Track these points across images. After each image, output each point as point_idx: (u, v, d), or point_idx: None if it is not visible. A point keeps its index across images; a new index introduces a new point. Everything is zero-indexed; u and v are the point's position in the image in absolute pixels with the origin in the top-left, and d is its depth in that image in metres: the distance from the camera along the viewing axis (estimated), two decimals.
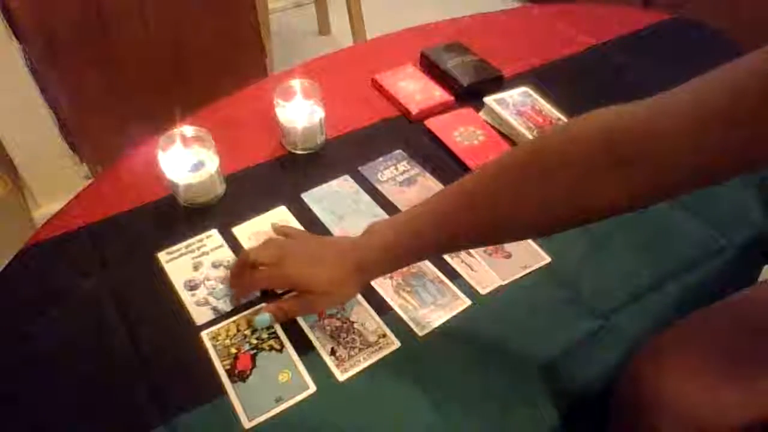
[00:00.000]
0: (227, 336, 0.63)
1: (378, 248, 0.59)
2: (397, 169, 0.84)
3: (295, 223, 0.75)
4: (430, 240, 0.56)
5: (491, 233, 0.53)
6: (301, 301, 0.62)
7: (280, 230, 0.72)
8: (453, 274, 0.70)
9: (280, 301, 0.64)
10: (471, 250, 0.72)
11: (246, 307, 0.66)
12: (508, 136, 0.89)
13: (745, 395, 0.45)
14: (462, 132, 0.88)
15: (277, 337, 0.63)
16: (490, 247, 0.72)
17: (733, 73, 0.38)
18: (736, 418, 0.45)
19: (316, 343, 0.62)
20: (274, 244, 0.66)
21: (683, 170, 0.40)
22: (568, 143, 0.45)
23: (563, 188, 0.45)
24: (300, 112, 0.82)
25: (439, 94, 0.95)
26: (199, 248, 0.72)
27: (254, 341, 0.62)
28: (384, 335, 0.63)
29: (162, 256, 0.71)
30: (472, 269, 0.70)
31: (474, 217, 0.51)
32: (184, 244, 0.72)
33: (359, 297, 0.66)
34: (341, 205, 0.78)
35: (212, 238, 0.73)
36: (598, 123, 0.44)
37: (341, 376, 0.60)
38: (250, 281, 0.64)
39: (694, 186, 0.41)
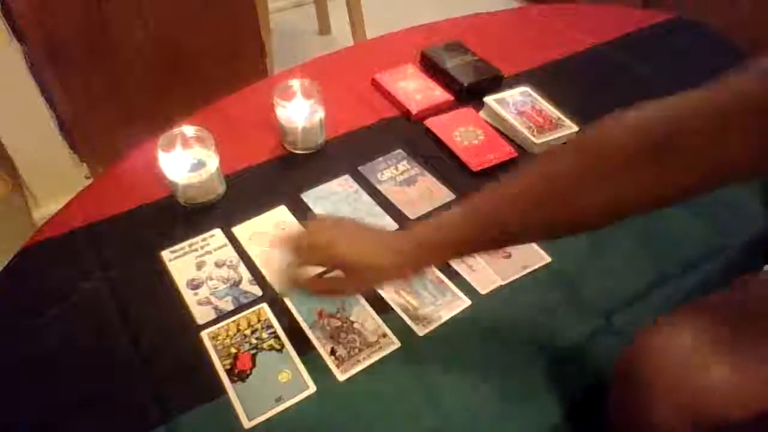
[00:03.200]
0: (227, 336, 0.63)
1: (441, 228, 0.55)
2: (397, 169, 0.84)
3: (295, 223, 0.75)
4: (495, 229, 0.53)
5: (556, 226, 0.51)
6: (340, 279, 0.58)
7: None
8: (453, 274, 0.70)
9: (320, 276, 0.59)
10: None
11: (246, 306, 0.66)
12: (508, 135, 0.89)
13: (743, 382, 0.45)
14: (462, 132, 0.88)
15: (277, 337, 0.63)
16: None
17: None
18: (734, 405, 0.45)
19: (316, 343, 0.62)
20: (321, 224, 0.61)
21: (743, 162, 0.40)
22: (629, 138, 0.44)
23: (628, 183, 0.44)
24: (300, 112, 0.82)
25: (439, 93, 0.95)
26: (202, 247, 0.72)
27: (254, 341, 0.62)
28: (384, 335, 0.63)
29: (166, 254, 0.71)
30: (472, 269, 0.70)
31: (543, 212, 0.50)
32: (188, 242, 0.72)
33: (359, 297, 0.67)
34: (341, 205, 0.78)
35: (216, 237, 0.73)
36: (655, 117, 0.44)
37: (341, 376, 0.60)
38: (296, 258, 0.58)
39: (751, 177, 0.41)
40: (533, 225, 0.52)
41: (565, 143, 0.51)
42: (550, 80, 0.98)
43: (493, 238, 0.56)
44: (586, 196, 0.46)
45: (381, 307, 0.66)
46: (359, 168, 0.83)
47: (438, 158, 0.86)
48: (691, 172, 0.41)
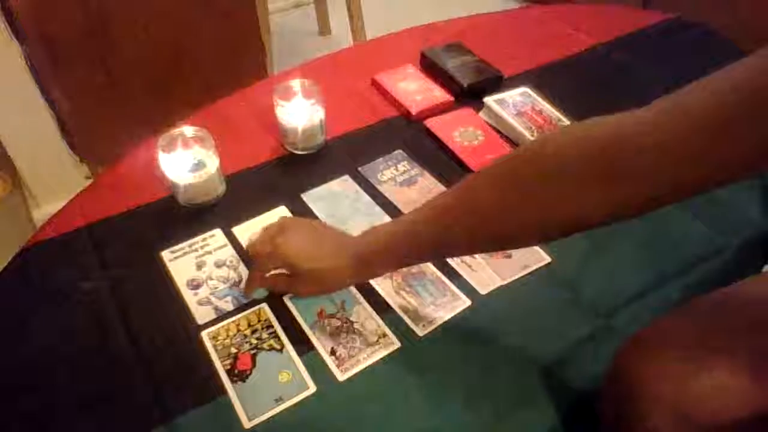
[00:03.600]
0: (227, 336, 0.63)
1: (377, 244, 0.59)
2: (397, 169, 0.84)
3: None
4: (427, 240, 0.56)
5: (489, 236, 0.52)
6: (291, 280, 0.64)
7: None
8: (453, 274, 0.70)
9: (274, 274, 0.65)
10: None
11: (247, 306, 0.66)
12: (507, 136, 0.89)
13: (738, 384, 0.45)
14: (462, 132, 0.88)
15: (277, 337, 0.63)
16: None
17: (749, 73, 0.37)
18: (729, 408, 0.45)
19: (316, 343, 0.62)
20: (275, 223, 0.66)
21: (696, 172, 0.40)
22: (568, 149, 0.44)
23: (560, 194, 0.44)
24: (300, 112, 0.82)
25: (439, 94, 0.95)
26: (202, 247, 0.72)
27: (254, 341, 0.62)
28: (384, 335, 0.63)
29: (165, 254, 0.71)
30: (472, 269, 0.70)
31: (473, 218, 0.51)
32: (188, 243, 0.73)
33: (359, 297, 0.67)
34: (341, 205, 0.78)
35: (215, 237, 0.73)
36: (600, 130, 0.43)
37: (341, 376, 0.60)
38: (253, 264, 0.66)
39: (711, 186, 0.41)
40: (480, 240, 0.53)
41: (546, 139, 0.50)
42: (550, 80, 0.98)
43: (430, 254, 0.61)
44: (587, 196, 0.45)
45: (381, 307, 0.66)
46: (359, 168, 0.84)
47: (438, 158, 0.86)
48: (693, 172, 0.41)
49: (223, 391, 0.58)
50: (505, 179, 0.49)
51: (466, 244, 0.55)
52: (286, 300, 0.66)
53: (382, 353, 0.62)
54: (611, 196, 0.43)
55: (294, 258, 0.62)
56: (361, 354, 0.62)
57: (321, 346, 0.62)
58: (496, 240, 0.53)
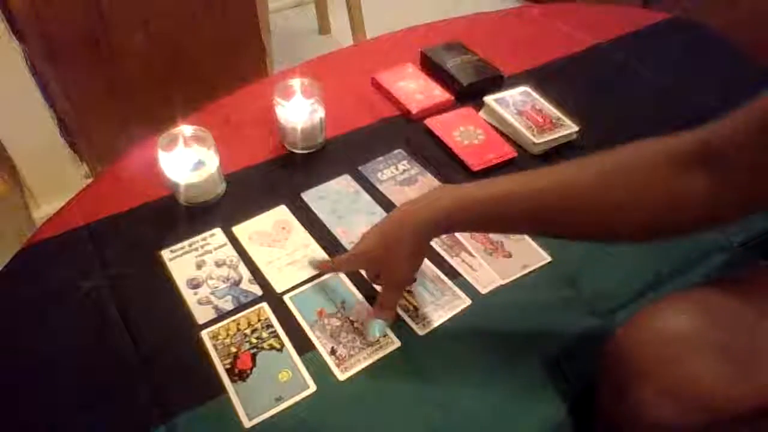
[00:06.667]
0: (227, 335, 0.63)
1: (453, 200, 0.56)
2: (397, 168, 0.84)
3: (295, 223, 0.75)
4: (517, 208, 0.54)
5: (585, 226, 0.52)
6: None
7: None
8: (453, 274, 0.70)
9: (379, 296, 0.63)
10: (472, 250, 0.72)
11: (246, 306, 0.66)
12: (508, 135, 0.89)
13: (724, 367, 0.45)
14: (462, 131, 0.88)
15: (277, 337, 0.63)
16: (491, 247, 0.72)
17: None
18: (723, 393, 0.45)
19: (316, 343, 0.62)
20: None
21: None
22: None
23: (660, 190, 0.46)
24: (300, 112, 0.82)
25: (439, 93, 0.95)
26: (202, 246, 0.72)
27: (254, 340, 0.62)
28: (384, 335, 0.63)
29: (165, 254, 0.71)
30: (472, 269, 0.70)
31: (573, 209, 0.51)
32: (188, 242, 0.72)
33: (359, 296, 0.67)
34: (341, 205, 0.78)
35: (216, 236, 0.73)
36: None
37: (341, 376, 0.60)
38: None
39: None
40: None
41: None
42: (550, 80, 0.98)
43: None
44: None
45: None
46: (359, 168, 0.84)
47: (438, 158, 0.86)
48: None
49: (223, 390, 0.58)
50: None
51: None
52: (286, 299, 0.66)
53: (382, 353, 0.62)
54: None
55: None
56: (361, 354, 0.62)
57: (321, 345, 0.62)
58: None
